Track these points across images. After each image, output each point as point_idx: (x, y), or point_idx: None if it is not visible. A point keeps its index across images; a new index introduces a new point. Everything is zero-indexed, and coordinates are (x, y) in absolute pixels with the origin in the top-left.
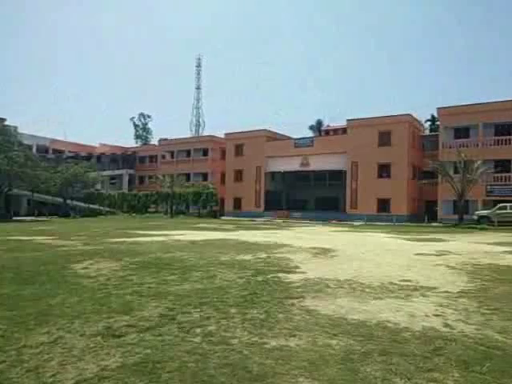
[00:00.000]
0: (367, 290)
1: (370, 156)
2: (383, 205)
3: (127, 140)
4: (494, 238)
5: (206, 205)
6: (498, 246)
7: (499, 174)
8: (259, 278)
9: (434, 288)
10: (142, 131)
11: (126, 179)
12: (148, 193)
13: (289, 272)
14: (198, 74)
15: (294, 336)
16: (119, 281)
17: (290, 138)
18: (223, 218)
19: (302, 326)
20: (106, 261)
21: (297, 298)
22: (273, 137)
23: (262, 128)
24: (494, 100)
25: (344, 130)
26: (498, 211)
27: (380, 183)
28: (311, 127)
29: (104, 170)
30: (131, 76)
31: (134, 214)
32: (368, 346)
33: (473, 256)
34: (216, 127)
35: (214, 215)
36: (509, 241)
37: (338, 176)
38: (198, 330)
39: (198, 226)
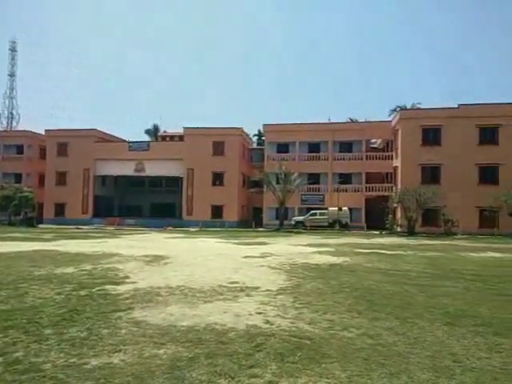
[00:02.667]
0: (198, 294)
1: (206, 164)
2: (217, 211)
3: None
4: (307, 240)
5: (19, 211)
6: (309, 247)
7: (311, 186)
8: (82, 293)
9: (258, 288)
10: None
11: None
12: None
13: (117, 283)
14: (13, 59)
15: (119, 351)
16: None
17: (124, 141)
18: (42, 226)
19: (129, 340)
20: None
21: (124, 311)
22: (104, 138)
23: (91, 127)
24: (307, 122)
25: (181, 137)
26: (310, 217)
27: (214, 190)
28: (147, 131)
29: None
30: None
31: None
32: (195, 350)
33: (290, 257)
34: (38, 123)
35: (30, 223)
36: (317, 242)
37: (174, 182)
38: (0, 360)
39: (7, 235)
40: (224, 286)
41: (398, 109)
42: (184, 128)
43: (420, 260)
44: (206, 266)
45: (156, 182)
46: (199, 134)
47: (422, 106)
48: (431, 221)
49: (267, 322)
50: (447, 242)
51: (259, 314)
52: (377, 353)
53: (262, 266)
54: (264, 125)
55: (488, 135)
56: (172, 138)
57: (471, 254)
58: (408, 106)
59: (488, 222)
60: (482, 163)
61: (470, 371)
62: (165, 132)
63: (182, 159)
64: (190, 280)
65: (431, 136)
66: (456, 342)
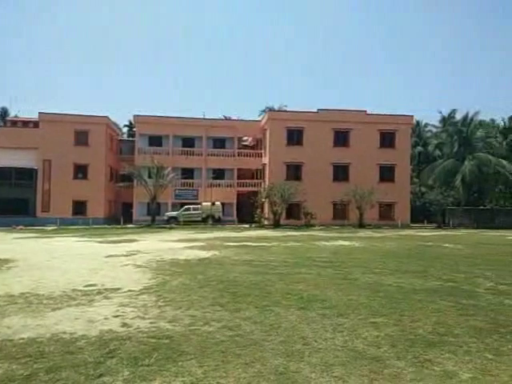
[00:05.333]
0: (46, 301)
1: (66, 155)
2: (79, 207)
3: None
4: (179, 235)
5: None
6: (180, 243)
7: (185, 180)
8: None
9: (119, 289)
10: None
11: None
12: None
13: None
14: None
15: None
16: None
17: None
18: None
19: None
20: None
21: None
22: None
23: None
24: (182, 116)
25: (36, 124)
26: (184, 212)
27: (76, 184)
28: None
29: None
30: None
31: None
32: (35, 366)
33: (158, 253)
34: None
35: None
36: (189, 238)
37: (27, 175)
38: None
39: None
40: (79, 290)
41: (267, 110)
42: (40, 113)
43: (283, 250)
44: (59, 269)
45: (4, 174)
46: (58, 121)
47: (288, 109)
48: (294, 214)
49: (124, 324)
50: (307, 233)
51: (116, 317)
52: (234, 344)
53: (126, 265)
54: (135, 116)
55: (341, 138)
56: (26, 124)
57: (325, 243)
58: (276, 108)
59: (340, 214)
60: (336, 162)
61: (316, 352)
62: (16, 117)
63: (36, 148)
64: (39, 285)
65: (295, 137)
66: (307, 326)
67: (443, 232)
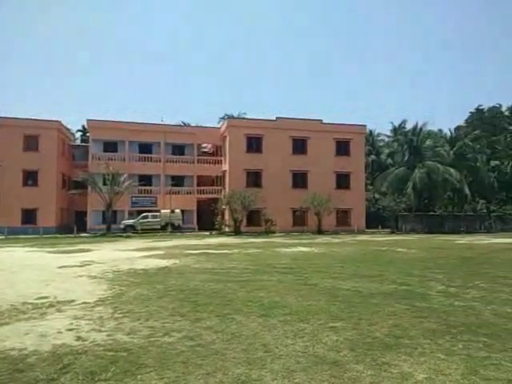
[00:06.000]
0: None
1: (14, 160)
2: (29, 215)
3: None
4: (136, 244)
5: None
6: (138, 252)
7: (143, 187)
8: None
9: (72, 301)
10: None
11: None
12: None
13: None
14: None
15: None
16: None
17: None
18: None
19: None
20: None
21: None
22: None
23: None
24: (138, 121)
25: None
26: (141, 220)
27: (25, 191)
28: None
29: None
30: None
31: None
32: None
33: (115, 263)
34: None
35: None
36: (148, 246)
37: None
38: None
39: None
40: (29, 303)
41: (226, 117)
42: None
43: (243, 257)
44: (7, 281)
45: None
46: (6, 126)
47: (247, 116)
48: (254, 221)
49: (79, 338)
50: (267, 240)
51: (70, 330)
52: (195, 354)
53: (80, 276)
54: (88, 120)
55: (299, 146)
56: None
57: (285, 249)
58: (235, 115)
59: (299, 220)
60: (295, 170)
61: (278, 359)
62: None
63: None
64: None
65: (254, 144)
66: (268, 333)
67: (396, 237)
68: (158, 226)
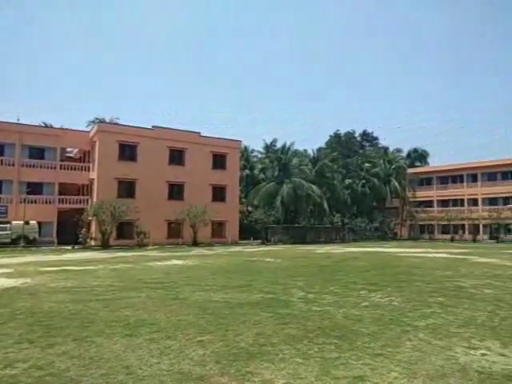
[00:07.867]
0: None
1: None
2: None
3: None
4: None
5: None
6: None
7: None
8: None
9: None
10: None
11: None
12: None
13: None
14: None
15: None
16: None
17: None
18: None
19: None
20: None
21: None
22: None
23: None
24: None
25: None
26: None
27: None
28: None
29: None
30: None
31: None
32: None
33: None
34: None
35: None
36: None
37: None
38: None
39: None
40: None
41: (97, 121)
42: None
43: (110, 273)
44: None
45: None
46: None
47: (120, 122)
48: (125, 233)
49: None
50: (139, 254)
51: None
52: None
53: None
54: None
55: (177, 156)
56: None
57: (158, 263)
58: (107, 120)
59: (174, 233)
60: (172, 181)
61: (140, 381)
62: None
63: None
64: None
65: (128, 152)
66: (132, 354)
67: (266, 248)
68: (8, 240)
